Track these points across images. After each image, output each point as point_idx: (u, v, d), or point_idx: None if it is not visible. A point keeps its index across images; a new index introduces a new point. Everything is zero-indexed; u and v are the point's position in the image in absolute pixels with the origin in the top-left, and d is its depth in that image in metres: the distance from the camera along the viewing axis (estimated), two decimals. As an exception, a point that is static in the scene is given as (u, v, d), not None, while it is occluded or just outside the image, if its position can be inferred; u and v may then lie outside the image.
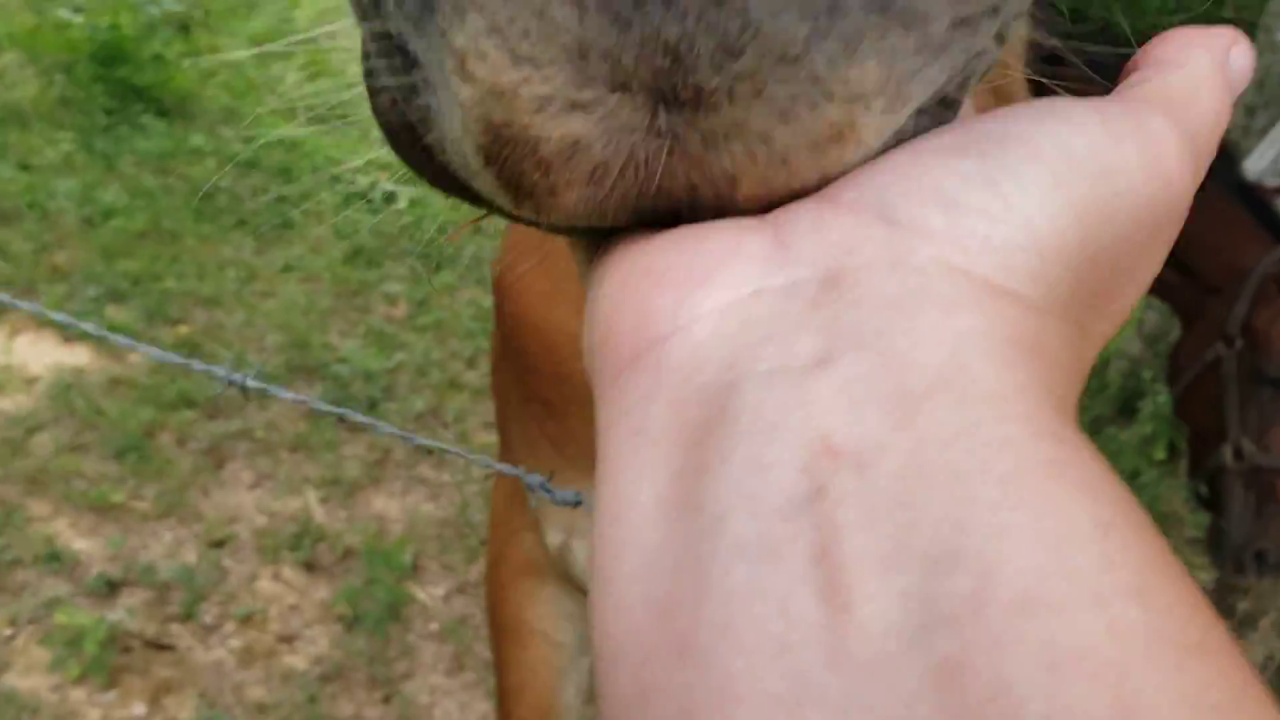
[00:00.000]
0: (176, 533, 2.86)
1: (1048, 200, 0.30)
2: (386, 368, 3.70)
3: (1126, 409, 4.65)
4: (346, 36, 0.36)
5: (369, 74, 0.36)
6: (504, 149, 0.31)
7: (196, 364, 1.39)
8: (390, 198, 4.46)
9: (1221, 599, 3.07)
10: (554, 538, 1.37)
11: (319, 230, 4.35)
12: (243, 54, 5.49)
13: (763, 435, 0.26)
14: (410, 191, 4.46)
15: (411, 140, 0.36)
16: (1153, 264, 0.35)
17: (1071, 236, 0.30)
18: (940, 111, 0.34)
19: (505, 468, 1.24)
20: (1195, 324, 2.54)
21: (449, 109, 0.32)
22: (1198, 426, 2.61)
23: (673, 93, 0.29)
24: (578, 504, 1.18)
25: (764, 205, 0.32)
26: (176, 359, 1.40)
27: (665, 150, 0.30)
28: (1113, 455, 4.22)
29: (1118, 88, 0.37)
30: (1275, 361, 2.39)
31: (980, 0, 0.31)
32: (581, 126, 0.30)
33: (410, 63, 0.33)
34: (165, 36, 5.08)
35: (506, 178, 0.32)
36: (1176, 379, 2.61)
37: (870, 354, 0.26)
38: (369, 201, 4.45)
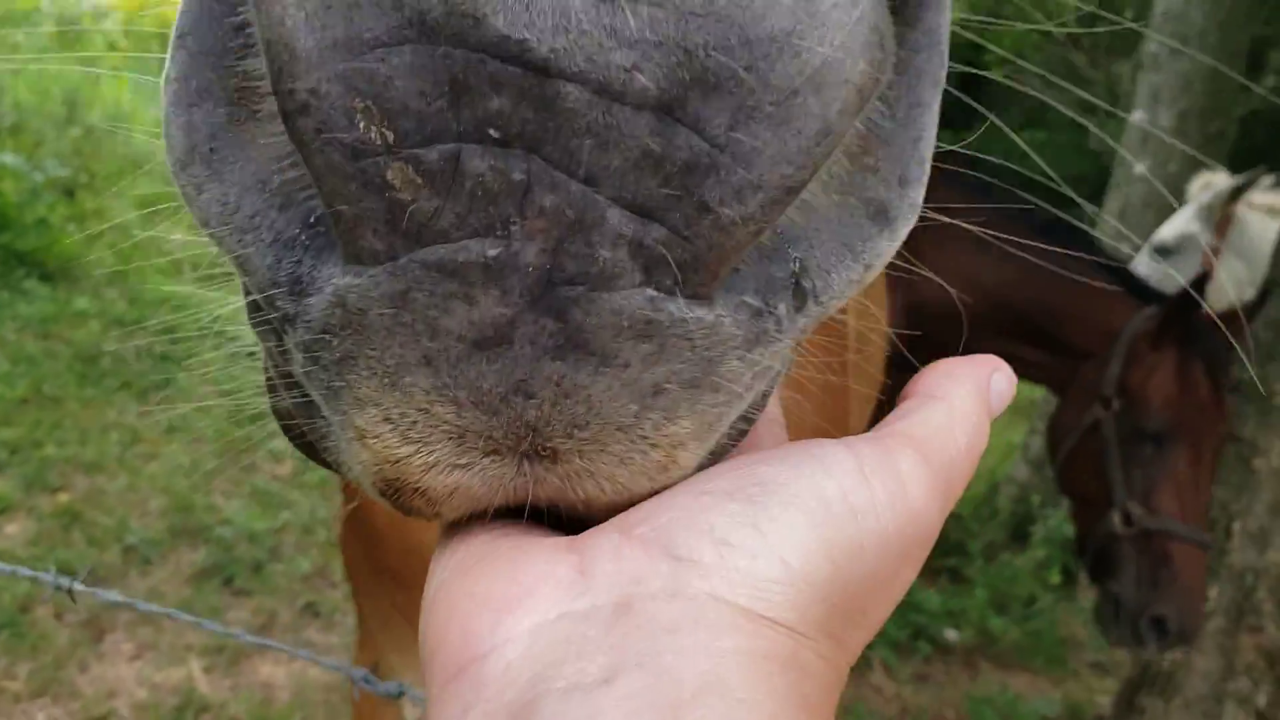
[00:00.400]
0: (50, 712, 2.78)
1: (802, 540, 0.36)
2: (272, 528, 3.70)
3: (1019, 534, 4.75)
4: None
5: (270, 388, 0.44)
6: (397, 492, 0.39)
7: (23, 570, 1.43)
8: (277, 355, 4.48)
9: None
10: (411, 711, 1.49)
11: (203, 389, 4.35)
12: (130, 215, 5.52)
13: None
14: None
15: (307, 446, 0.43)
16: (904, 583, 0.40)
17: (823, 570, 0.36)
18: (747, 424, 0.41)
19: (329, 662, 1.31)
20: (1070, 392, 2.53)
21: (347, 452, 0.39)
22: (1082, 495, 2.59)
23: (534, 452, 0.36)
24: (400, 695, 1.27)
25: (609, 510, 0.39)
26: (3, 568, 1.42)
27: (530, 486, 0.38)
28: (1008, 581, 4.34)
29: (880, 423, 0.42)
30: (1154, 416, 2.38)
31: (775, 362, 0.39)
32: (462, 478, 0.37)
33: (312, 405, 0.40)
34: (49, 200, 5.10)
35: (397, 504, 0.40)
36: (1057, 449, 2.59)
37: (647, 672, 0.33)
38: (253, 357, 4.42)
